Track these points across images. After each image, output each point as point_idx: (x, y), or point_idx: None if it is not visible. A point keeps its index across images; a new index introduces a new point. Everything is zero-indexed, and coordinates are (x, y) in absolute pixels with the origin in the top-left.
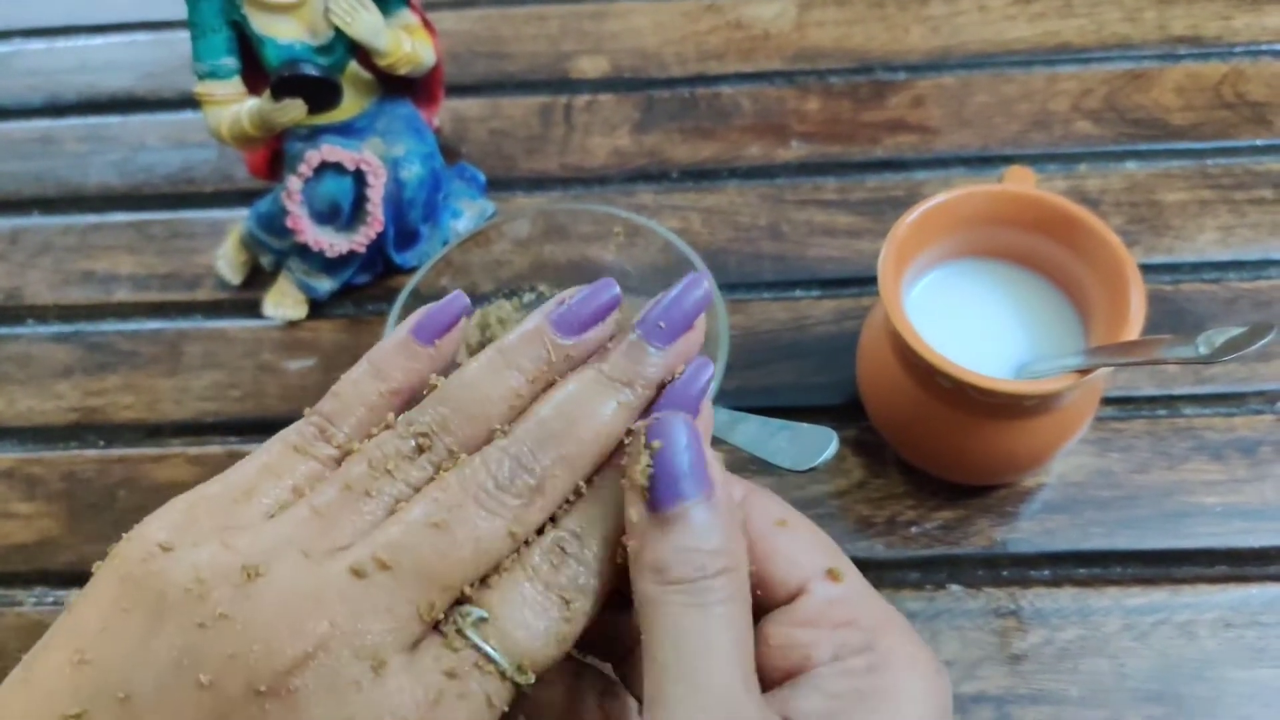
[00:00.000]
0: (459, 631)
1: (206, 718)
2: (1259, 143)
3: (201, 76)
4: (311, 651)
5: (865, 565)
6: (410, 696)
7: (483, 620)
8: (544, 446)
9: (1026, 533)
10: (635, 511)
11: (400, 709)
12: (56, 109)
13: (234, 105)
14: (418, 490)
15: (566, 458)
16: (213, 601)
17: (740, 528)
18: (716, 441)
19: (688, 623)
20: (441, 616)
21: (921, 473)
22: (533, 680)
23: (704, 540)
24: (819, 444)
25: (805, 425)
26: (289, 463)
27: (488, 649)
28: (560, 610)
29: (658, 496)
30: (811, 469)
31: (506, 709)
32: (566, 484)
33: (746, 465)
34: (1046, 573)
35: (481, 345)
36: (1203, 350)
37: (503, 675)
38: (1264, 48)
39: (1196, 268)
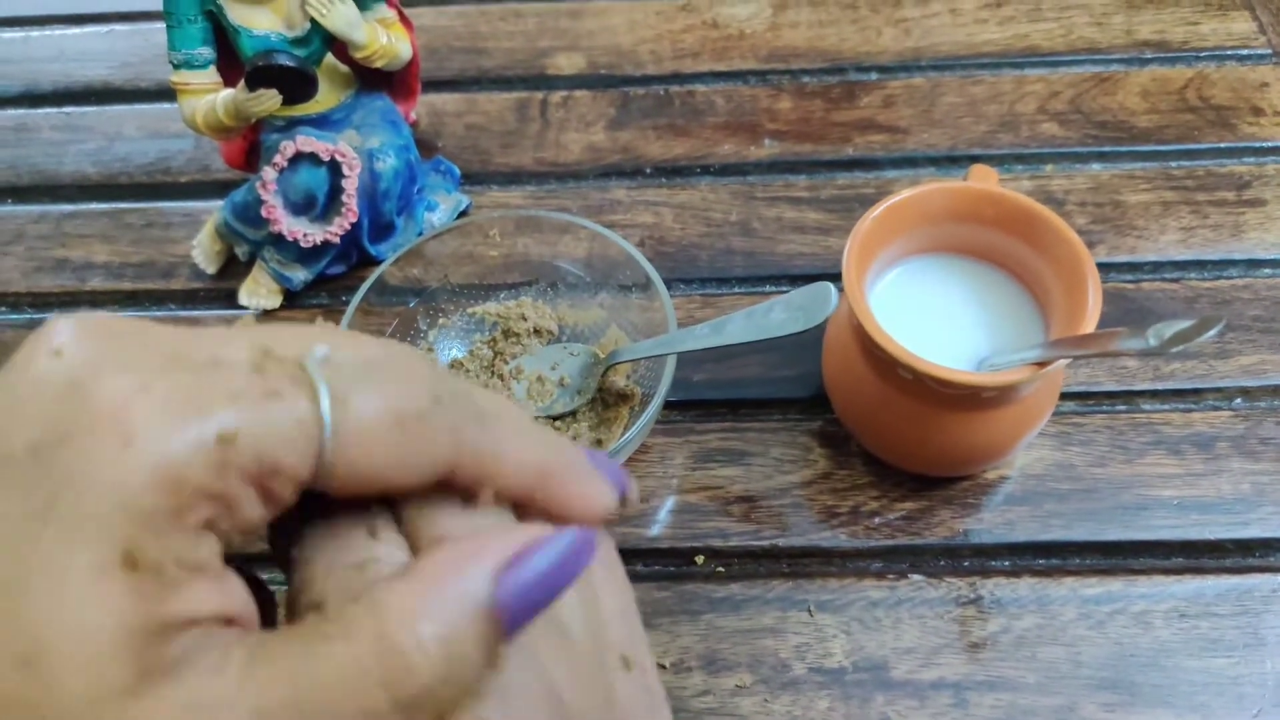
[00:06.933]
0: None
1: None
2: (1222, 145)
3: (176, 66)
4: None
5: (829, 555)
6: None
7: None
8: None
9: (988, 524)
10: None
11: None
12: (32, 98)
13: (209, 95)
14: None
15: None
16: None
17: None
18: (712, 352)
19: None
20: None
21: (885, 464)
22: None
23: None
24: (819, 299)
25: (795, 291)
26: None
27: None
28: None
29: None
30: (823, 323)
31: None
32: None
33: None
34: (1006, 563)
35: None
36: (1153, 342)
37: None
38: (1229, 53)
39: (1158, 267)
